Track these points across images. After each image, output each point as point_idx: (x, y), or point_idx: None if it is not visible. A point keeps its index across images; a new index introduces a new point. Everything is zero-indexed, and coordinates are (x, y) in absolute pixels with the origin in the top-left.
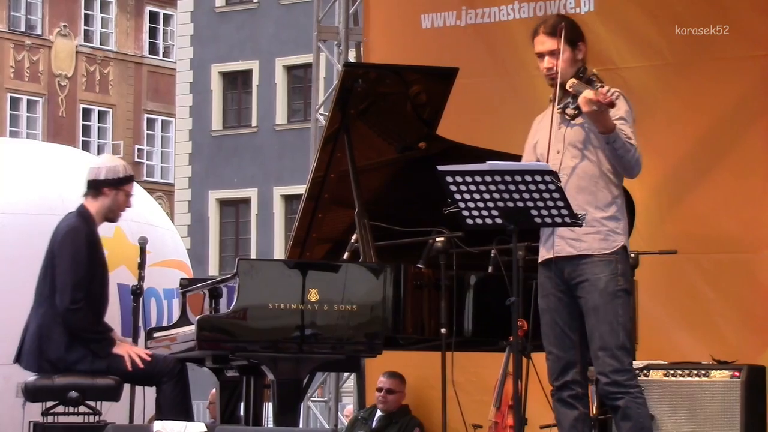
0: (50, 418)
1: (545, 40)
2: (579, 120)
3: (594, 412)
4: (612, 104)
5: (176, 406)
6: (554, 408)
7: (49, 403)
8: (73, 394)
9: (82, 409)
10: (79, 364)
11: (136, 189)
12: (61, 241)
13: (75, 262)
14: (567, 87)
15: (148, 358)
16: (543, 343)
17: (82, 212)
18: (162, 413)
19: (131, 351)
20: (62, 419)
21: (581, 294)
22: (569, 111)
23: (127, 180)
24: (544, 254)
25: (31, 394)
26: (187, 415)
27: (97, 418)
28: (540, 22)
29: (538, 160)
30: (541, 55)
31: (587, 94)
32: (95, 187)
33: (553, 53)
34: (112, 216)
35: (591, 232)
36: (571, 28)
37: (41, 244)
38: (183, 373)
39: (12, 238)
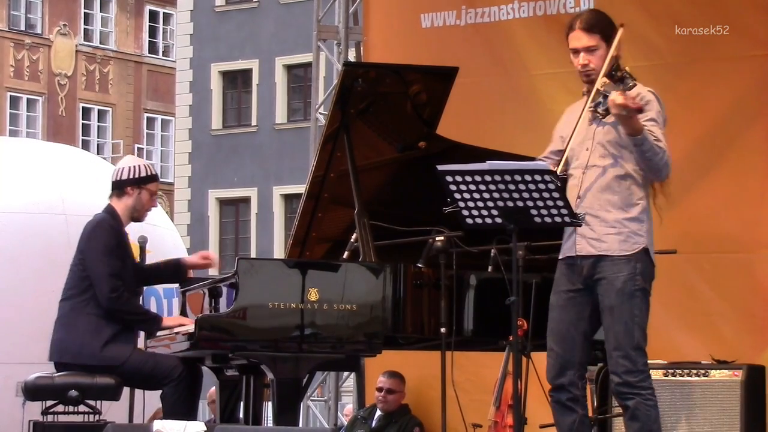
0: (50, 417)
1: (582, 36)
2: (610, 119)
3: (592, 412)
4: (640, 110)
5: (177, 409)
6: (552, 408)
7: (49, 402)
8: (73, 393)
9: (81, 408)
10: (99, 354)
11: None
12: (88, 235)
13: (106, 252)
14: (598, 86)
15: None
16: (547, 339)
17: (108, 209)
18: (165, 415)
19: (181, 320)
20: (62, 418)
21: (599, 292)
22: (601, 110)
23: (150, 179)
24: (565, 251)
25: (30, 392)
26: (189, 416)
27: (97, 417)
28: (575, 17)
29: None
30: (576, 51)
31: (616, 98)
32: (119, 187)
33: (589, 50)
34: (137, 215)
35: (612, 233)
36: (608, 24)
37: (41, 243)
38: (188, 377)
39: (11, 237)
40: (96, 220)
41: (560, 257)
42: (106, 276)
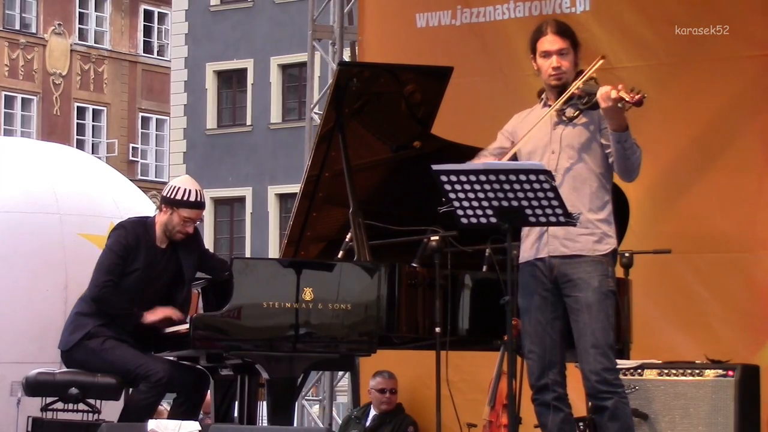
0: (49, 415)
1: (556, 40)
2: (582, 120)
3: (587, 412)
4: (640, 103)
5: (139, 411)
6: (537, 412)
7: (49, 399)
8: (74, 390)
9: (81, 406)
10: (80, 347)
11: (131, 188)
12: (112, 230)
13: (109, 250)
14: (576, 88)
15: (182, 317)
16: (524, 343)
17: (148, 218)
18: (124, 413)
19: (167, 312)
20: (61, 416)
21: (572, 292)
22: (569, 112)
23: (182, 204)
24: (532, 254)
25: (31, 388)
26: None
27: (95, 416)
28: (543, 24)
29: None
30: (548, 54)
31: (611, 91)
32: (160, 201)
33: (562, 53)
34: (169, 234)
35: (585, 233)
36: (574, 33)
37: (34, 242)
38: (168, 385)
39: (5, 236)
40: (127, 220)
41: (523, 260)
42: (102, 268)
